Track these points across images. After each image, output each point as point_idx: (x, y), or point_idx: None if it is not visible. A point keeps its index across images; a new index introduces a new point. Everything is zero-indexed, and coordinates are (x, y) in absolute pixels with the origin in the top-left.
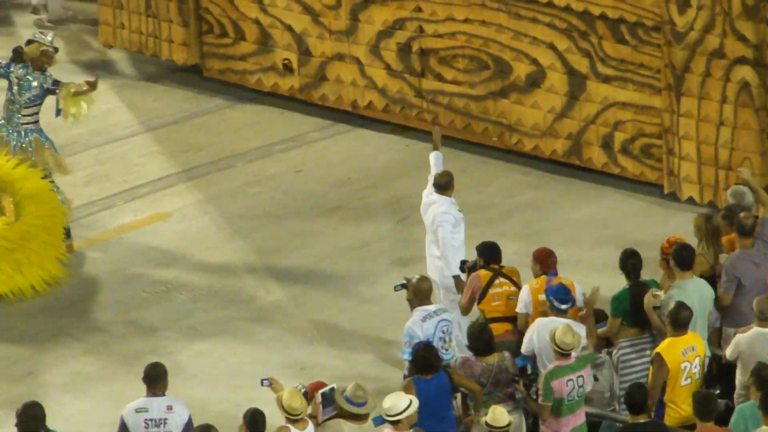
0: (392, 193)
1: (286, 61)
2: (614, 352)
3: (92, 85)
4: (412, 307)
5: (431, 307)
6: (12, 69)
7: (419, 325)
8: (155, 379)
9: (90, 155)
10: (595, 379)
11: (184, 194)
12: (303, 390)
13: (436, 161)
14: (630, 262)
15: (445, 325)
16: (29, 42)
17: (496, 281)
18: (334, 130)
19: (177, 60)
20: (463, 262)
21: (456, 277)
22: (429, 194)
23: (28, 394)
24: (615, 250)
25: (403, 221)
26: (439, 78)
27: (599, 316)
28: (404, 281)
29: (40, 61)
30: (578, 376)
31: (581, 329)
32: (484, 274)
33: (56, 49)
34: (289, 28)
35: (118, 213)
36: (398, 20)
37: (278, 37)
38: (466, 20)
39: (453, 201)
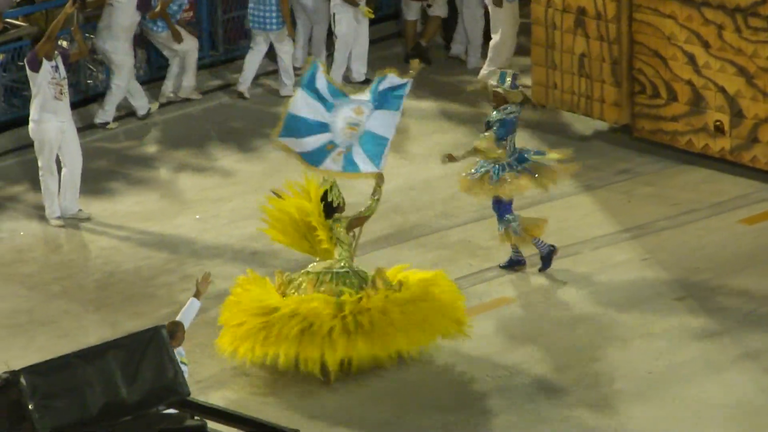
0: (742, 286)
1: (717, 123)
2: None
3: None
4: None
5: None
6: None
7: None
8: None
9: None
10: None
11: (526, 280)
12: None
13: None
14: None
15: None
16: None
17: None
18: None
19: (608, 120)
20: None
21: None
22: None
23: None
24: None
25: (750, 314)
26: None
27: None
28: None
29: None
30: None
31: None
32: None
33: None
34: (722, 90)
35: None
36: None
37: (711, 98)
38: None
39: None
